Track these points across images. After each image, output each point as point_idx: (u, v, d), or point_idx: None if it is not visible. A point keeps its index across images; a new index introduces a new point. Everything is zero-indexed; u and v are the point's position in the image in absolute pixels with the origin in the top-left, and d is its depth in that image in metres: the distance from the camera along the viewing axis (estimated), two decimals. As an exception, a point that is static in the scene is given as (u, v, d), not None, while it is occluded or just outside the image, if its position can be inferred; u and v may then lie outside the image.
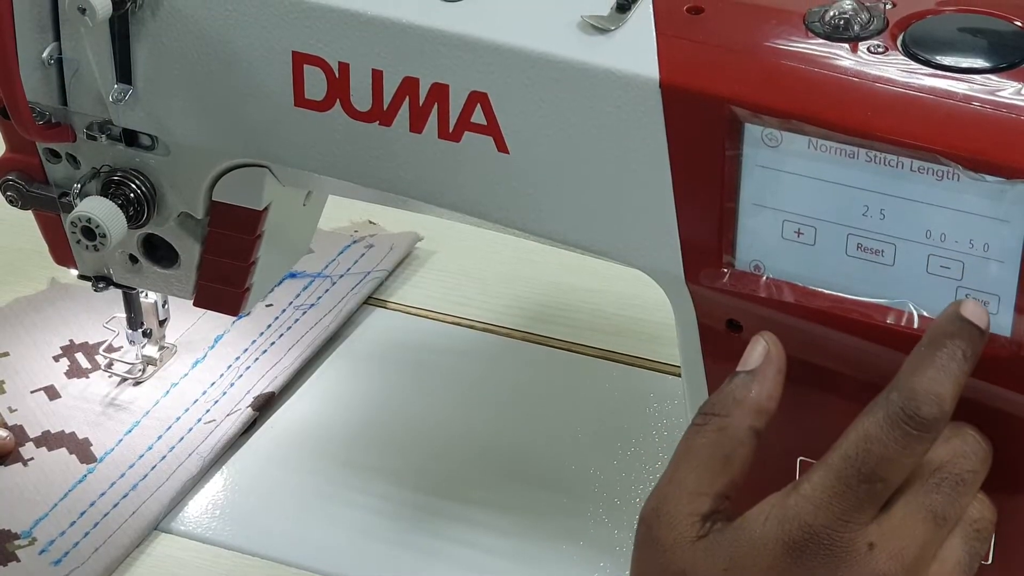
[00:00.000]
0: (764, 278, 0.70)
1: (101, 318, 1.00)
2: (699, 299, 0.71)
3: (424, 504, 0.91)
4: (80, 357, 1.00)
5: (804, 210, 0.68)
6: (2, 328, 1.02)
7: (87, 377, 0.98)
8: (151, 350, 0.99)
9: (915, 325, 0.67)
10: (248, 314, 0.98)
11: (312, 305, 1.03)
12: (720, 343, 0.73)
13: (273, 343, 1.00)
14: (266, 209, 0.84)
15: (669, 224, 0.70)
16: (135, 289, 0.93)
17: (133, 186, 0.83)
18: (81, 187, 0.84)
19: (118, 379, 0.99)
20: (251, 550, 0.88)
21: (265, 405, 0.96)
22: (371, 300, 1.06)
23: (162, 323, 0.97)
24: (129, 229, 0.83)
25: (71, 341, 1.01)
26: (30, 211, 0.88)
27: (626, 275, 0.79)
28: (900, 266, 0.67)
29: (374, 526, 0.90)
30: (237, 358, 0.99)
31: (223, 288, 0.88)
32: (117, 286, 0.91)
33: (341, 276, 1.06)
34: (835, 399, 0.71)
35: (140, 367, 0.99)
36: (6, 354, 1.00)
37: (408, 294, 1.08)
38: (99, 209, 0.82)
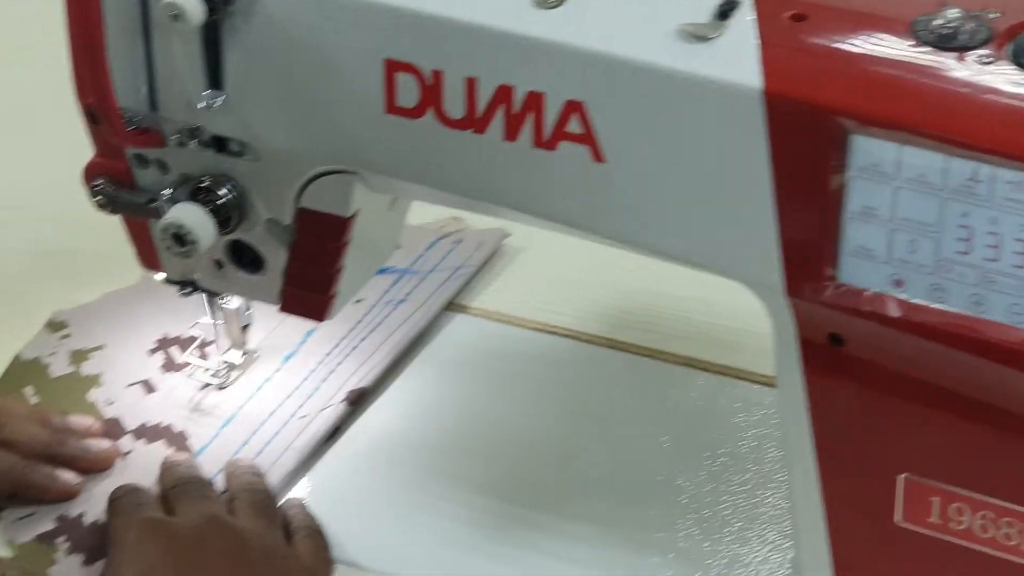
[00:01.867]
0: (868, 292, 0.69)
1: (194, 313, 1.00)
2: (800, 312, 0.71)
3: (508, 513, 0.91)
4: (175, 351, 1.01)
5: (910, 222, 0.68)
6: (96, 322, 1.04)
7: (181, 371, 1.00)
8: (234, 355, 0.99)
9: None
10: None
11: (402, 301, 1.04)
12: (821, 356, 0.72)
13: (364, 339, 1.01)
14: (353, 216, 0.84)
15: (770, 236, 0.70)
16: (220, 294, 0.93)
17: (222, 192, 0.83)
18: (170, 193, 0.84)
19: (202, 384, 0.99)
20: (334, 556, 0.89)
21: (358, 400, 0.97)
22: (452, 305, 1.07)
23: (244, 328, 0.98)
24: (218, 233, 0.84)
25: (165, 335, 1.02)
26: (117, 217, 0.90)
27: (712, 282, 0.78)
28: (1008, 280, 0.66)
29: (457, 534, 0.90)
30: (328, 354, 1.00)
31: (309, 294, 0.88)
32: (203, 290, 0.92)
33: (430, 272, 1.07)
34: (939, 415, 0.71)
35: (224, 372, 0.99)
36: (101, 347, 1.01)
37: (490, 299, 1.08)
38: (189, 216, 0.83)
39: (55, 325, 1.03)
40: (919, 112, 0.65)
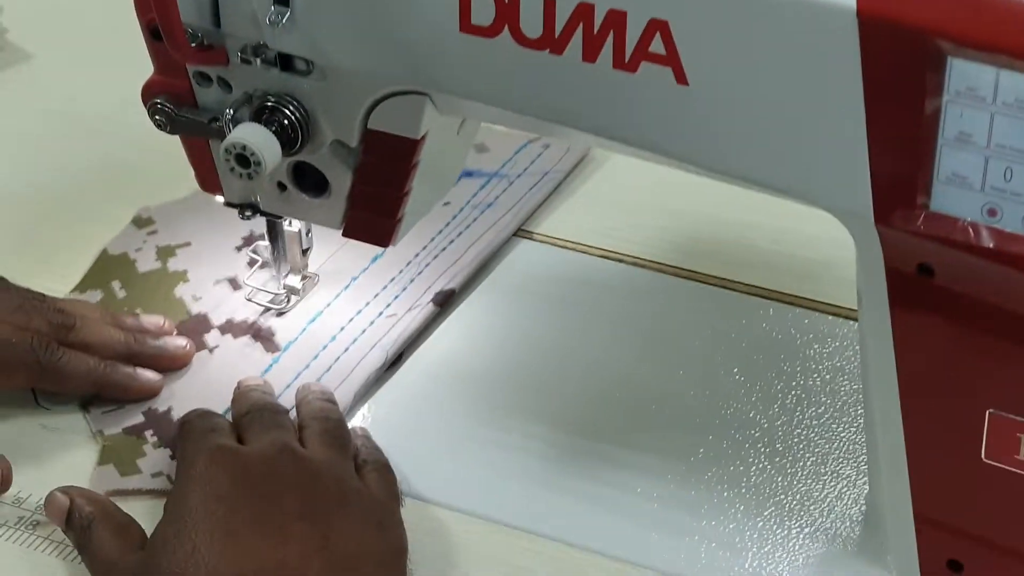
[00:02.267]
0: (961, 221, 0.68)
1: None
2: (888, 241, 0.70)
3: (573, 445, 0.90)
4: (262, 248, 1.00)
5: (1007, 149, 0.66)
6: (183, 219, 1.04)
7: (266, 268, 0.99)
8: (294, 280, 0.99)
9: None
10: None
11: (490, 205, 1.04)
12: (909, 288, 0.71)
13: (452, 241, 1.01)
14: (423, 138, 0.83)
15: (860, 162, 0.69)
16: (281, 217, 0.93)
17: (287, 112, 0.83)
18: (233, 112, 0.84)
19: (262, 310, 0.99)
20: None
21: (446, 302, 0.97)
22: (519, 232, 1.06)
23: (305, 252, 0.98)
24: (282, 154, 0.83)
25: (251, 232, 1.02)
26: (176, 137, 0.89)
27: (786, 209, 0.78)
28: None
29: (521, 466, 0.89)
30: (416, 255, 1.00)
31: (374, 218, 0.88)
32: (264, 214, 0.92)
33: (519, 176, 1.06)
34: (1030, 349, 0.70)
35: (283, 297, 0.99)
36: (188, 244, 1.02)
37: (556, 225, 1.07)
38: (254, 136, 0.82)
39: (141, 221, 1.03)
40: (1019, 35, 0.64)
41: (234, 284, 0.99)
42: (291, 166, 0.86)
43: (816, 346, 0.95)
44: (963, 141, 0.67)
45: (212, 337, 0.96)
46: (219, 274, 1.00)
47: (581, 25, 0.72)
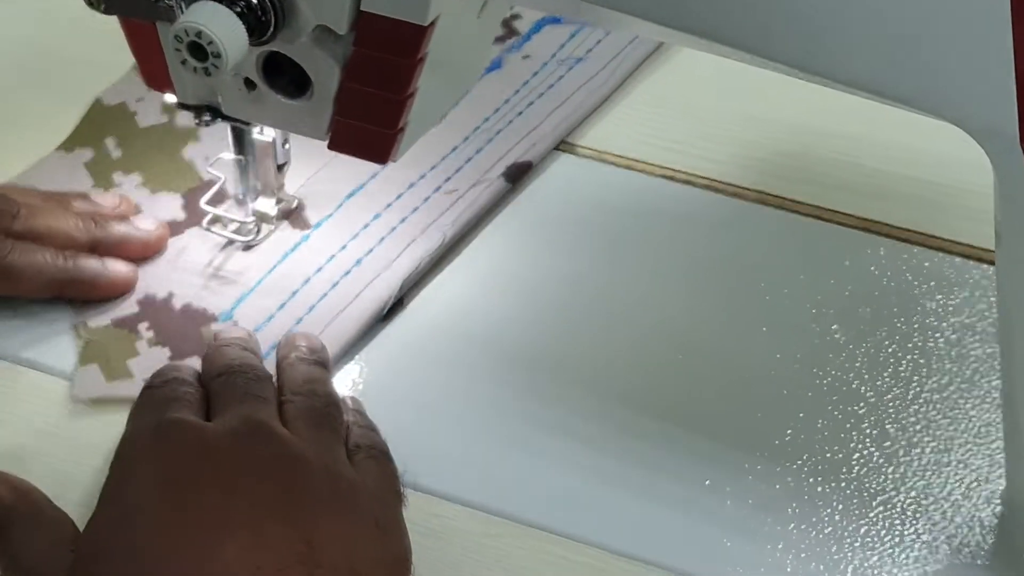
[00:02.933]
0: None
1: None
2: None
3: (623, 424, 0.89)
4: None
5: None
6: None
7: None
8: (265, 204, 0.98)
9: None
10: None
11: (580, 60, 1.01)
12: None
13: (531, 104, 0.99)
14: (432, 24, 0.81)
15: (1005, 69, 0.69)
16: (249, 124, 0.93)
17: None
18: None
19: (224, 241, 0.99)
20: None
21: (519, 177, 0.96)
22: (562, 145, 1.04)
23: (280, 168, 0.97)
24: (248, 44, 0.81)
25: None
26: (114, 16, 0.87)
27: (898, 120, 0.78)
28: None
29: (552, 450, 0.88)
30: (487, 118, 0.98)
31: (369, 126, 0.85)
32: (226, 119, 0.90)
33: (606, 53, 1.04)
34: None
35: (252, 226, 0.98)
36: None
37: (605, 135, 1.05)
38: (213, 20, 0.79)
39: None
40: None
41: None
42: (262, 58, 0.84)
43: (940, 296, 0.94)
44: None
45: (228, 208, 0.95)
46: None
47: None
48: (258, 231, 0.99)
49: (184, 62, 0.80)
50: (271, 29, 0.81)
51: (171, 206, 0.96)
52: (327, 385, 0.87)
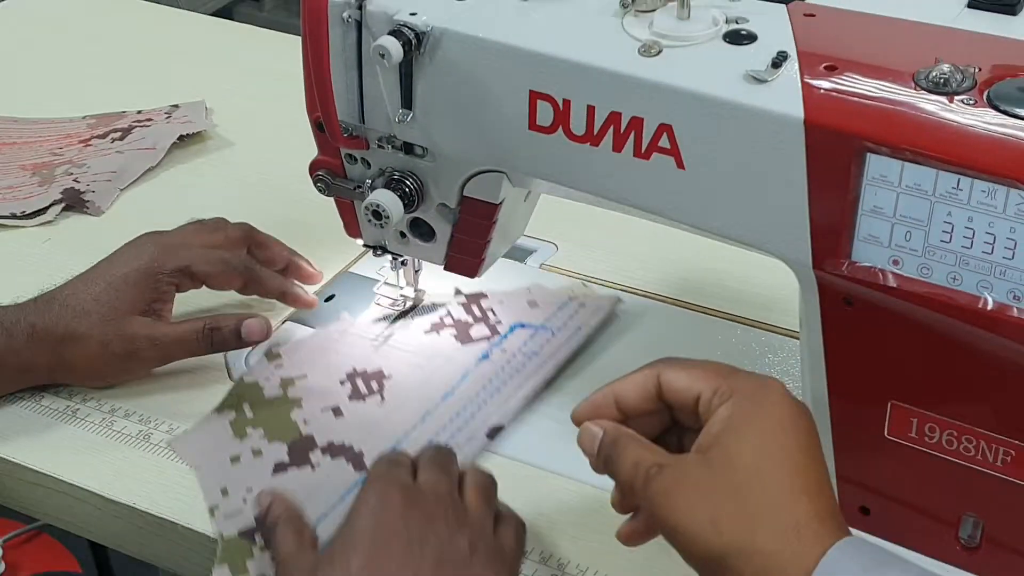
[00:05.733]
0: (874, 268, 0.68)
1: (377, 354, 0.92)
2: (822, 281, 0.70)
3: None
4: (360, 383, 0.89)
5: (907, 219, 0.67)
6: (302, 355, 0.91)
7: (364, 400, 0.88)
8: (408, 291, 0.95)
9: (989, 307, 0.66)
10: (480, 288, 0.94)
11: (535, 353, 0.91)
12: (837, 314, 0.71)
13: (504, 382, 0.89)
14: (500, 203, 0.83)
15: (804, 226, 0.69)
16: (401, 256, 0.92)
17: (408, 183, 0.83)
18: (371, 182, 0.84)
19: (386, 312, 0.95)
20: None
21: (493, 435, 0.85)
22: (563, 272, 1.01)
23: (416, 273, 0.95)
24: (404, 212, 0.84)
25: (354, 368, 0.89)
26: (332, 199, 0.89)
27: (748, 258, 0.76)
28: (978, 263, 0.66)
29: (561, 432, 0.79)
30: (478, 394, 0.87)
31: (465, 257, 0.87)
32: (388, 252, 0.91)
33: (559, 329, 0.92)
34: (921, 358, 0.70)
35: (400, 302, 0.95)
36: (305, 376, 0.89)
37: (589, 267, 1.01)
38: (385, 199, 0.83)
39: (271, 355, 0.90)
40: (918, 139, 0.65)
41: (336, 412, 0.86)
42: (409, 220, 0.86)
43: (770, 356, 0.92)
44: (876, 212, 0.67)
45: (315, 456, 0.83)
46: (326, 403, 0.87)
47: (612, 127, 0.73)
48: (404, 304, 0.94)
49: (369, 220, 0.83)
50: (415, 205, 0.83)
51: (280, 452, 0.83)
52: (488, 471, 0.75)
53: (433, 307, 0.95)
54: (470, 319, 0.93)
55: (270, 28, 1.43)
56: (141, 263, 0.84)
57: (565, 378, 0.90)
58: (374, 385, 0.88)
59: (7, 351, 0.80)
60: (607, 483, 0.68)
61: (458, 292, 0.95)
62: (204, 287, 0.88)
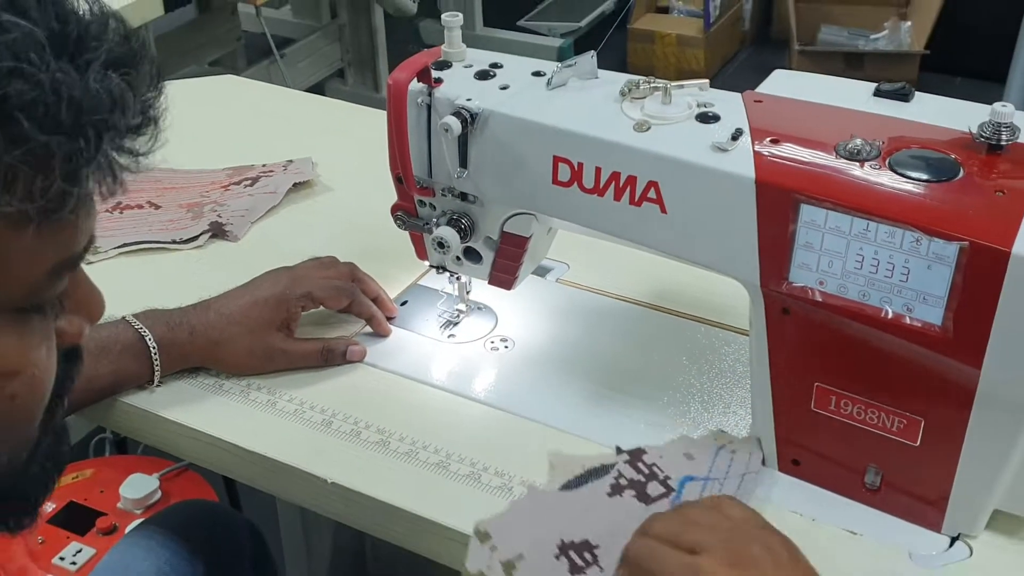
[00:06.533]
0: (805, 287, 0.69)
1: (578, 522, 0.71)
2: (767, 296, 0.70)
3: (594, 390, 0.85)
4: (574, 555, 0.69)
5: (829, 251, 0.68)
6: (510, 531, 0.70)
7: (585, 573, 0.67)
8: (462, 306, 0.93)
9: (889, 316, 0.67)
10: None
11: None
12: (777, 320, 0.71)
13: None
14: (530, 236, 0.83)
15: (755, 255, 0.70)
16: (456, 274, 0.90)
17: (463, 222, 0.83)
18: (436, 220, 0.84)
19: (444, 321, 0.92)
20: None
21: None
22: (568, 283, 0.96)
23: (468, 292, 0.93)
24: (460, 242, 0.84)
25: (562, 540, 0.69)
26: (407, 232, 0.88)
27: (710, 278, 0.74)
28: (882, 284, 0.67)
29: (572, 400, 0.82)
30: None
31: (504, 275, 0.87)
32: (447, 271, 0.89)
33: (724, 478, 0.75)
34: (838, 353, 0.71)
35: (456, 313, 0.92)
36: (521, 556, 0.68)
37: (593, 281, 0.98)
38: (446, 233, 0.83)
39: (481, 535, 0.70)
40: (838, 194, 0.66)
41: None
42: (463, 248, 0.85)
43: (726, 348, 0.90)
44: (807, 247, 0.68)
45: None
46: None
47: (613, 183, 0.74)
48: (458, 316, 0.90)
49: (435, 249, 0.83)
50: (469, 237, 0.83)
51: None
52: None
53: (604, 468, 0.75)
54: (642, 477, 0.74)
55: (352, 100, 1.40)
56: (277, 289, 0.83)
57: (577, 360, 0.88)
58: (588, 557, 0.68)
59: (172, 344, 0.80)
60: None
61: (619, 451, 0.76)
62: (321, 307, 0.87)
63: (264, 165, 1.21)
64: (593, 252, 1.01)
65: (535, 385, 0.85)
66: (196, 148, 1.23)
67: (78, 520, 1.21)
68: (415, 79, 0.76)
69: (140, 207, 1.11)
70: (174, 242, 1.06)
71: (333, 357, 0.84)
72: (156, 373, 0.80)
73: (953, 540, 0.70)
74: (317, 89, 2.83)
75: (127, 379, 0.79)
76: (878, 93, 0.74)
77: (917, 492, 0.70)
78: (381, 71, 2.84)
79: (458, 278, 0.90)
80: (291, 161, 1.21)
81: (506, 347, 0.90)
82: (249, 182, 1.17)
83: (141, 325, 0.79)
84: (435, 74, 0.77)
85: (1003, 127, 0.66)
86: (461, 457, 0.77)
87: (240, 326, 0.81)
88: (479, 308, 0.93)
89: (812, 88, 0.75)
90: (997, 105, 0.67)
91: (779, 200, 0.66)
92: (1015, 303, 0.60)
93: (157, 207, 1.12)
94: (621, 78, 0.75)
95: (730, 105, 0.72)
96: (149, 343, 0.79)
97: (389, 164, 0.82)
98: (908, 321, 0.64)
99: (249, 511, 1.39)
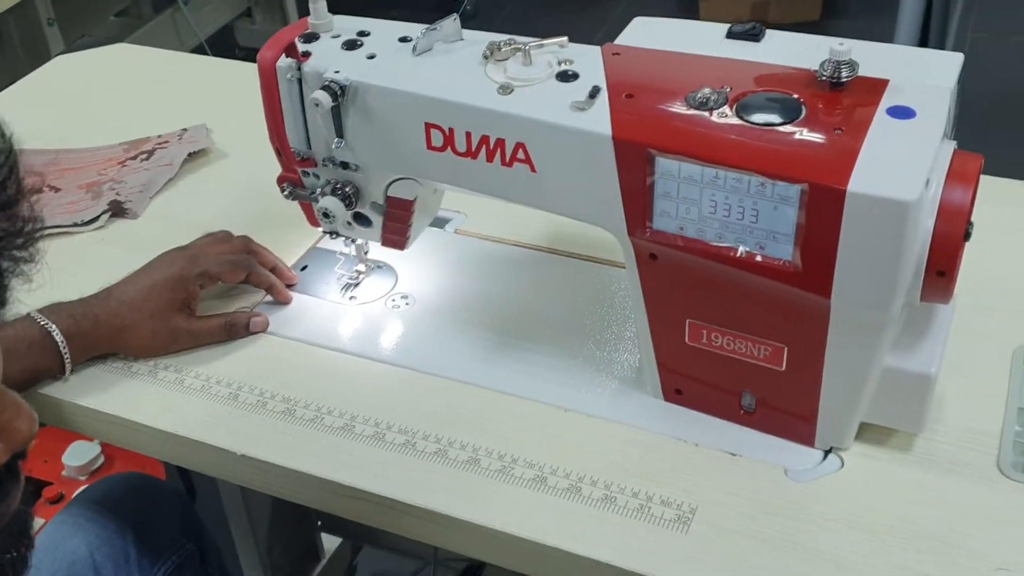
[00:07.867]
0: (667, 232, 0.70)
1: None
2: (635, 243, 0.72)
3: (500, 340, 0.85)
4: None
5: (686, 199, 0.69)
6: None
7: None
8: (361, 266, 0.92)
9: (744, 255, 0.68)
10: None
11: None
12: (646, 263, 0.73)
13: None
14: (415, 199, 0.83)
15: (619, 207, 0.71)
16: (349, 237, 0.90)
17: (347, 190, 0.82)
18: (320, 190, 0.83)
19: (344, 283, 0.91)
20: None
21: None
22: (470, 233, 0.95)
23: (365, 253, 0.92)
24: (346, 210, 0.83)
25: None
26: (296, 201, 0.88)
27: (585, 227, 0.75)
28: (734, 226, 0.68)
29: (474, 353, 0.83)
30: None
31: (395, 236, 0.86)
32: (339, 235, 0.88)
33: None
34: (702, 289, 0.73)
35: (355, 275, 0.92)
36: None
37: (491, 229, 0.98)
38: (331, 203, 0.82)
39: None
40: (688, 146, 0.67)
41: None
42: (352, 214, 0.84)
43: (615, 284, 0.90)
44: (665, 196, 0.70)
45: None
46: None
47: (484, 146, 0.74)
48: (357, 277, 0.90)
49: (321, 217, 0.83)
50: (355, 204, 0.83)
51: None
52: None
53: None
54: None
55: (262, 39, 1.33)
56: (173, 271, 0.82)
57: (477, 310, 0.87)
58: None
59: (78, 335, 0.80)
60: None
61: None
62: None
63: (159, 136, 1.18)
64: (489, 201, 0.99)
65: (436, 339, 0.85)
66: (92, 124, 1.20)
67: (24, 492, 1.21)
68: (283, 55, 0.75)
69: (41, 191, 1.03)
70: (75, 225, 1.05)
71: (236, 330, 0.84)
72: (67, 365, 0.80)
73: (826, 454, 0.72)
74: (227, 32, 2.75)
75: (39, 374, 0.79)
76: (730, 35, 0.74)
77: (789, 411, 0.72)
78: (288, 6, 2.77)
79: (354, 241, 0.90)
80: (186, 130, 1.18)
81: (407, 304, 0.89)
82: (145, 155, 1.15)
83: (47, 320, 0.78)
84: (302, 47, 0.76)
85: (843, 64, 0.68)
86: (365, 418, 0.77)
87: (141, 311, 0.81)
88: (379, 267, 0.93)
89: (669, 35, 0.76)
90: (834, 43, 0.68)
91: (636, 154, 0.67)
92: (855, 236, 0.62)
93: (57, 190, 1.10)
94: (484, 39, 0.75)
95: (589, 61, 0.72)
96: (56, 337, 0.78)
97: (269, 137, 0.81)
98: (761, 259, 0.66)
99: (196, 477, 1.40)
